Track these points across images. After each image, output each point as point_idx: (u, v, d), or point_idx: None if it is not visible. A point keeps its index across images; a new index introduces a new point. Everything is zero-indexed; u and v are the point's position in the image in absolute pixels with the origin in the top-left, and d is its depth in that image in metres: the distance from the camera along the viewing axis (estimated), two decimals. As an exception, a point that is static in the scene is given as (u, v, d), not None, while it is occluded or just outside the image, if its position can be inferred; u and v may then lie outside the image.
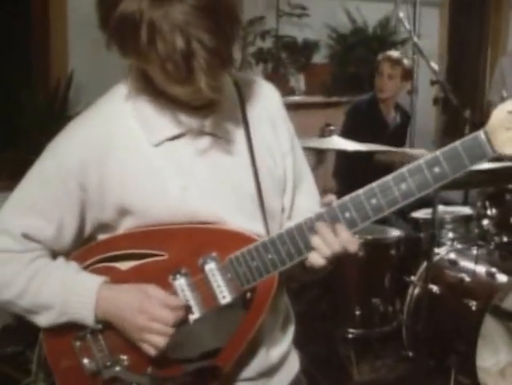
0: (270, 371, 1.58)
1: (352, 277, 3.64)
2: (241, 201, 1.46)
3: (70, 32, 4.37)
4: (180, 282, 1.41)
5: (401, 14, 3.76)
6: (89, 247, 1.48)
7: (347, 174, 4.28)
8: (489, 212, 3.93)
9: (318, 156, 3.55)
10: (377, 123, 4.42)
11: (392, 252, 3.68)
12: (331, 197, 1.36)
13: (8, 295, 1.43)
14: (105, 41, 1.27)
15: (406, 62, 4.46)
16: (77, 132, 1.42)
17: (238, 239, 1.40)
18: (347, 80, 5.51)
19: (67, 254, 1.49)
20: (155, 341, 1.38)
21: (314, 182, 1.66)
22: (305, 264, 1.40)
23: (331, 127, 3.58)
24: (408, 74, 4.44)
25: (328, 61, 5.66)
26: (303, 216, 1.38)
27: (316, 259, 1.36)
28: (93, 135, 1.40)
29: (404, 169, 1.32)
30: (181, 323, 1.39)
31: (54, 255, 1.48)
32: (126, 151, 1.40)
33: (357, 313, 3.59)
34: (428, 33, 5.93)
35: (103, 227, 1.47)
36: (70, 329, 1.46)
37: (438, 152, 1.31)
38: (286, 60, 5.14)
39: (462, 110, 3.14)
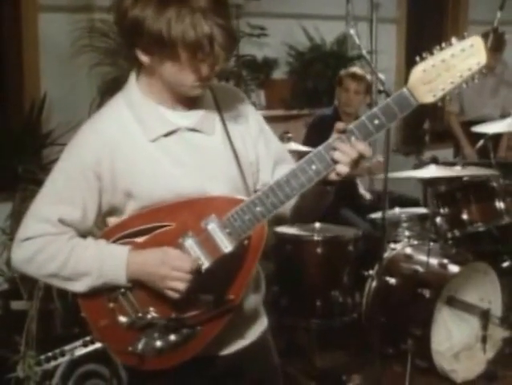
0: (250, 315, 1.93)
1: (312, 272, 3.79)
2: (227, 181, 1.80)
3: (41, 56, 4.63)
4: (189, 242, 1.72)
5: (352, 31, 3.99)
6: (109, 229, 1.80)
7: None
8: (441, 210, 4.20)
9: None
10: None
11: (350, 248, 3.84)
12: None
13: (53, 267, 1.75)
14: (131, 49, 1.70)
15: (368, 77, 4.71)
16: (89, 136, 1.76)
17: (229, 202, 1.73)
18: (305, 94, 5.75)
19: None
20: (176, 286, 1.69)
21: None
22: (326, 180, 1.70)
23: (289, 135, 3.91)
24: (369, 89, 4.73)
25: (287, 76, 5.89)
26: None
27: (341, 168, 1.67)
28: (102, 136, 1.74)
29: (351, 126, 1.66)
30: (196, 273, 1.70)
31: (81, 236, 1.80)
32: (129, 146, 1.74)
33: (318, 304, 3.73)
34: (386, 48, 6.22)
35: (112, 210, 1.80)
36: (102, 293, 1.77)
37: (375, 109, 1.65)
38: (246, 77, 5.37)
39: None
